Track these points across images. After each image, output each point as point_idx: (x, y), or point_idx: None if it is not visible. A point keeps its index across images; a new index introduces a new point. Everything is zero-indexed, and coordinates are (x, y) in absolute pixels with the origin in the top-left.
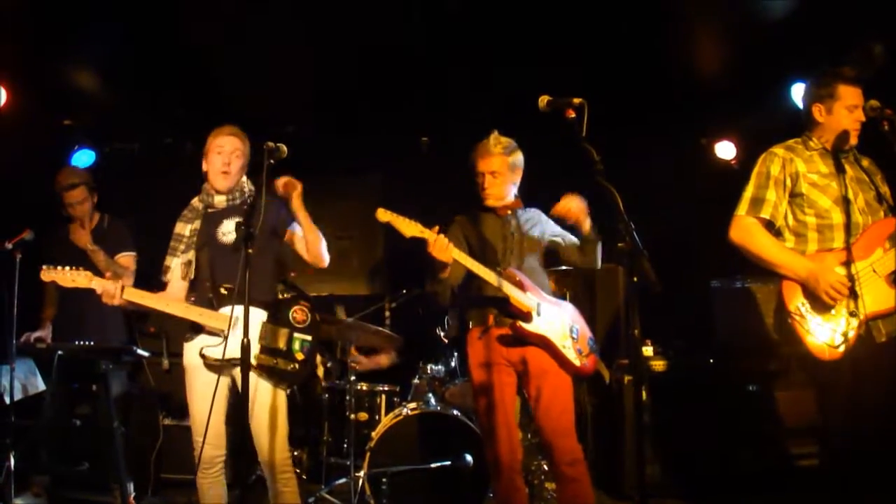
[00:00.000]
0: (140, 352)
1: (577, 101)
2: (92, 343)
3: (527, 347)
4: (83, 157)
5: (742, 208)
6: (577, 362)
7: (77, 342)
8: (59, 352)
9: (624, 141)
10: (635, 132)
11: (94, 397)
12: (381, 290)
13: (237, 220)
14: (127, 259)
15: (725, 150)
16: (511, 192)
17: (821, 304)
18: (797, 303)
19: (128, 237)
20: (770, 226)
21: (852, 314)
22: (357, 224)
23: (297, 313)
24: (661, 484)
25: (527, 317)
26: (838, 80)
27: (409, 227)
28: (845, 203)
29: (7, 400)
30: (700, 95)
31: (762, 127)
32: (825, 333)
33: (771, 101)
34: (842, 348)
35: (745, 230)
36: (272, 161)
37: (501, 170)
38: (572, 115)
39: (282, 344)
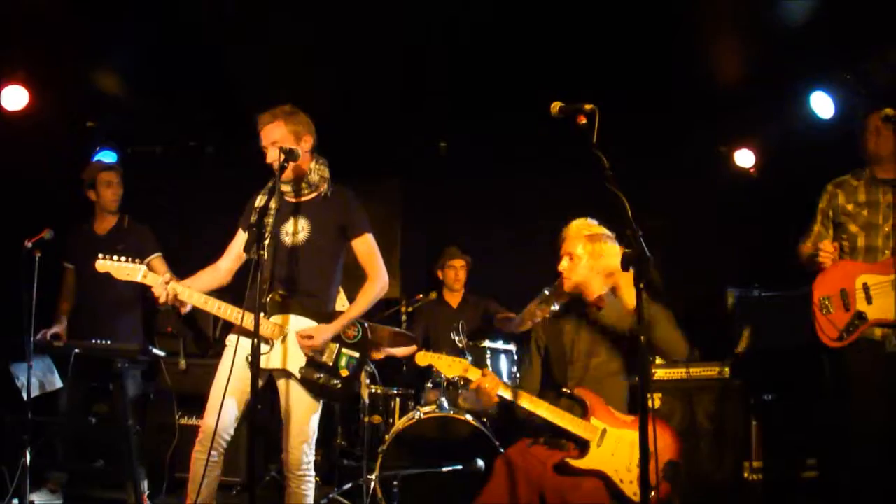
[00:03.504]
0: (156, 352)
1: (588, 107)
2: (109, 342)
3: (567, 479)
4: (105, 159)
5: (801, 239)
6: (635, 499)
7: (94, 341)
8: (76, 350)
9: (643, 148)
10: (655, 139)
11: (110, 396)
12: (398, 293)
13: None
14: (158, 260)
15: (744, 158)
16: (595, 282)
17: (840, 302)
18: (821, 296)
19: (151, 239)
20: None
21: (860, 316)
22: (375, 228)
23: (349, 328)
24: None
25: (584, 445)
26: (866, 109)
27: (452, 368)
28: (871, 228)
29: (24, 397)
30: (719, 103)
31: (781, 135)
32: (834, 326)
33: (790, 109)
34: (843, 340)
35: (797, 255)
36: (286, 164)
37: (581, 254)
38: (584, 121)
39: (328, 359)
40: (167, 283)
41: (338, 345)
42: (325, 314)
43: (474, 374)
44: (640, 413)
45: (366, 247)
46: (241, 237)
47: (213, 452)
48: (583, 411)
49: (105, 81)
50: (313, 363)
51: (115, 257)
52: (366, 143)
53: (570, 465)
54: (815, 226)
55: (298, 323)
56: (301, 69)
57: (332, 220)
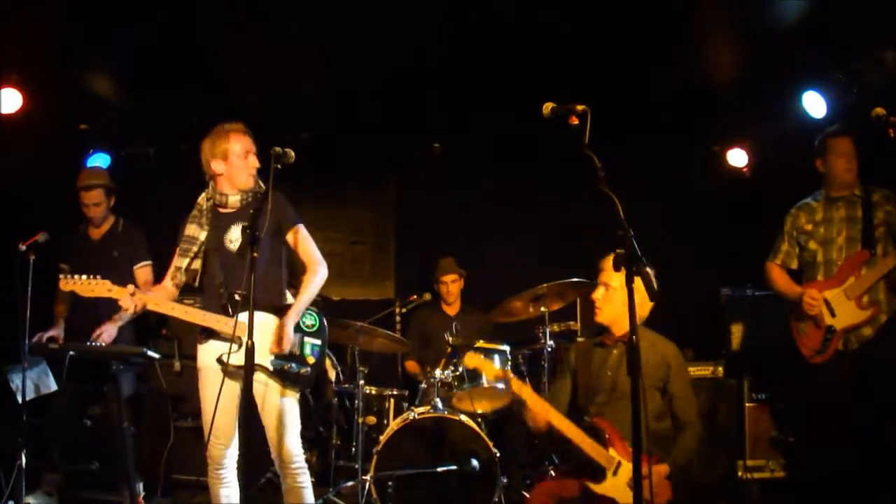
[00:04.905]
0: (151, 353)
1: (580, 107)
2: (104, 344)
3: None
4: (98, 161)
5: (770, 256)
6: None
7: (89, 343)
8: (71, 352)
9: (637, 148)
10: (648, 139)
11: (106, 398)
12: (393, 295)
13: (244, 225)
14: (144, 271)
15: (737, 157)
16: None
17: (811, 322)
18: (795, 321)
19: (143, 245)
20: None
21: (830, 330)
22: (370, 230)
23: (306, 318)
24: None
25: (599, 473)
26: (827, 135)
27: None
28: (827, 244)
29: (19, 399)
30: (712, 103)
31: (774, 135)
32: (812, 344)
33: (783, 109)
34: (823, 353)
35: (766, 271)
36: (279, 166)
37: (618, 287)
38: (576, 122)
39: (294, 348)
40: (132, 294)
41: (300, 334)
42: (280, 308)
43: (517, 384)
44: (634, 433)
45: (300, 237)
46: (177, 253)
47: (224, 473)
48: (601, 442)
49: (98, 84)
50: (281, 354)
51: (77, 276)
52: (360, 144)
53: (588, 489)
54: (783, 245)
55: (260, 318)
56: (294, 71)
57: (269, 222)
